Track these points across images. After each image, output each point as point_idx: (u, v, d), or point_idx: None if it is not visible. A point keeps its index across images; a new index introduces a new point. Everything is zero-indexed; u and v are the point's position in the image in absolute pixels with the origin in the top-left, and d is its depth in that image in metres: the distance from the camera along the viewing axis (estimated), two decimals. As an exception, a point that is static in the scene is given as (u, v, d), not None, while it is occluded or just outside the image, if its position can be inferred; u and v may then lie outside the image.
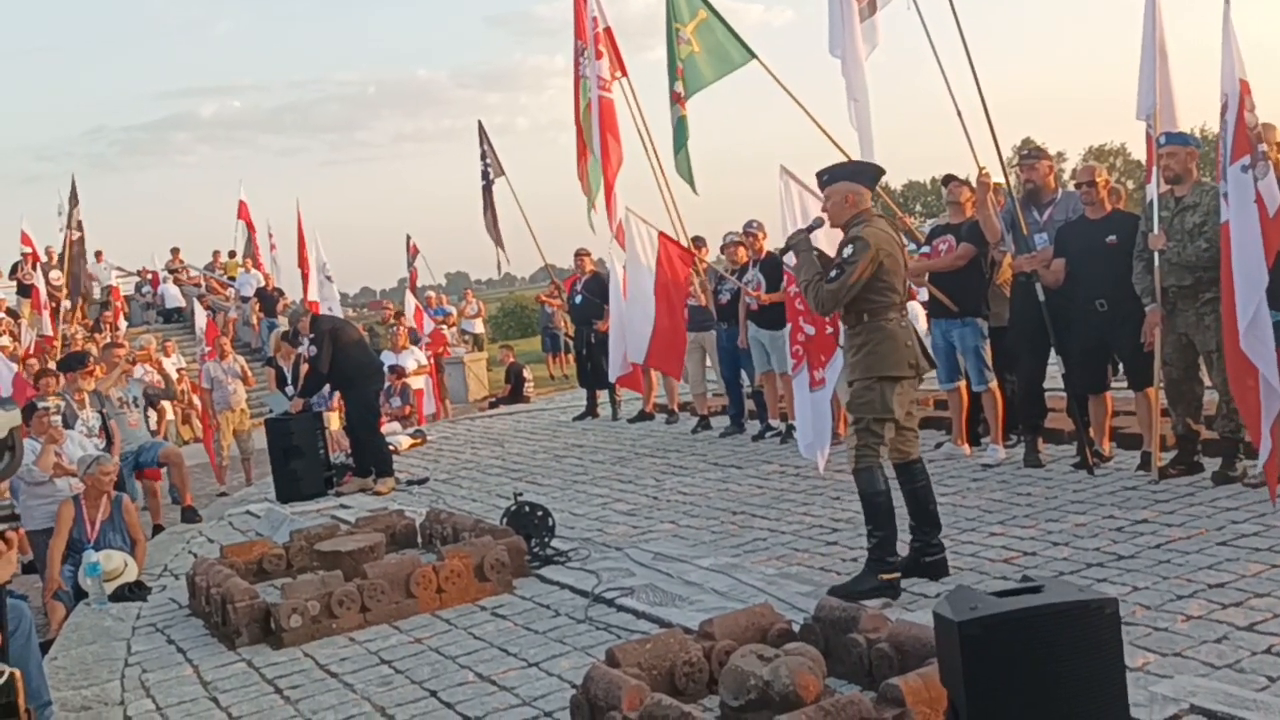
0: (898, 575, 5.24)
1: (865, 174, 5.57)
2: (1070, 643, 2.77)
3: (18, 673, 2.86)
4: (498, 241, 15.56)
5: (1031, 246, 7.29)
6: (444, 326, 20.61)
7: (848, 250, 5.27)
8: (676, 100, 9.88)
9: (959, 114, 7.52)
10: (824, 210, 5.57)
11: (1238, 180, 5.70)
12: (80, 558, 7.01)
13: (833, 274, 5.29)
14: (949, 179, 8.29)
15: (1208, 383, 6.67)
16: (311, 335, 9.90)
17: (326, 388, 10.52)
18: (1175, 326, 6.51)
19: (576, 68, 11.07)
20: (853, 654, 4.12)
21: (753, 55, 9.34)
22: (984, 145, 7.54)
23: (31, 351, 16.06)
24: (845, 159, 8.25)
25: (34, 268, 21.71)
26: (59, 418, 8.43)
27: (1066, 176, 7.89)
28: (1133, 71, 6.84)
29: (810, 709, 3.45)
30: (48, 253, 24.16)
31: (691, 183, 10.24)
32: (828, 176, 5.49)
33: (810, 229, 5.65)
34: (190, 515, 9.68)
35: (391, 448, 11.44)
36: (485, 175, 14.93)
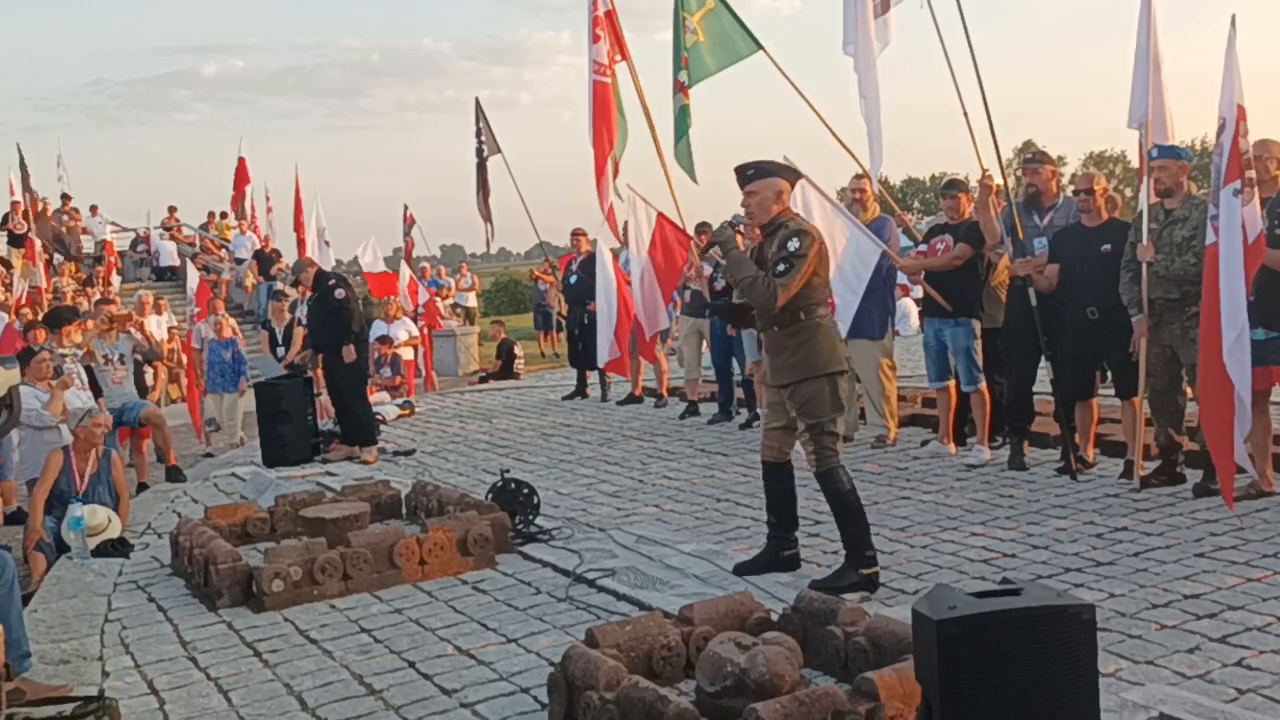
0: (876, 570, 5.29)
1: (789, 174, 5.51)
2: (1046, 646, 2.81)
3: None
4: (487, 219, 15.62)
5: (1029, 250, 7.32)
6: (437, 299, 20.60)
7: (794, 244, 5.18)
8: (680, 89, 9.88)
9: (965, 116, 7.54)
10: (745, 206, 5.44)
11: (1229, 204, 5.76)
12: (66, 510, 7.02)
13: (782, 268, 5.18)
14: (951, 185, 8.30)
15: (1190, 395, 6.72)
16: (325, 288, 9.78)
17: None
18: (1160, 339, 6.56)
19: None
20: (830, 646, 4.16)
21: (759, 47, 9.34)
22: (985, 147, 7.56)
23: (24, 302, 16.01)
24: (848, 151, 8.27)
25: (24, 218, 21.63)
26: (76, 365, 8.52)
27: (1066, 181, 7.90)
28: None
29: (785, 698, 3.48)
30: (44, 205, 24.06)
31: (691, 172, 10.25)
32: (754, 171, 5.36)
33: (735, 225, 5.59)
34: (175, 474, 9.69)
35: (379, 417, 11.47)
36: (479, 153, 14.97)
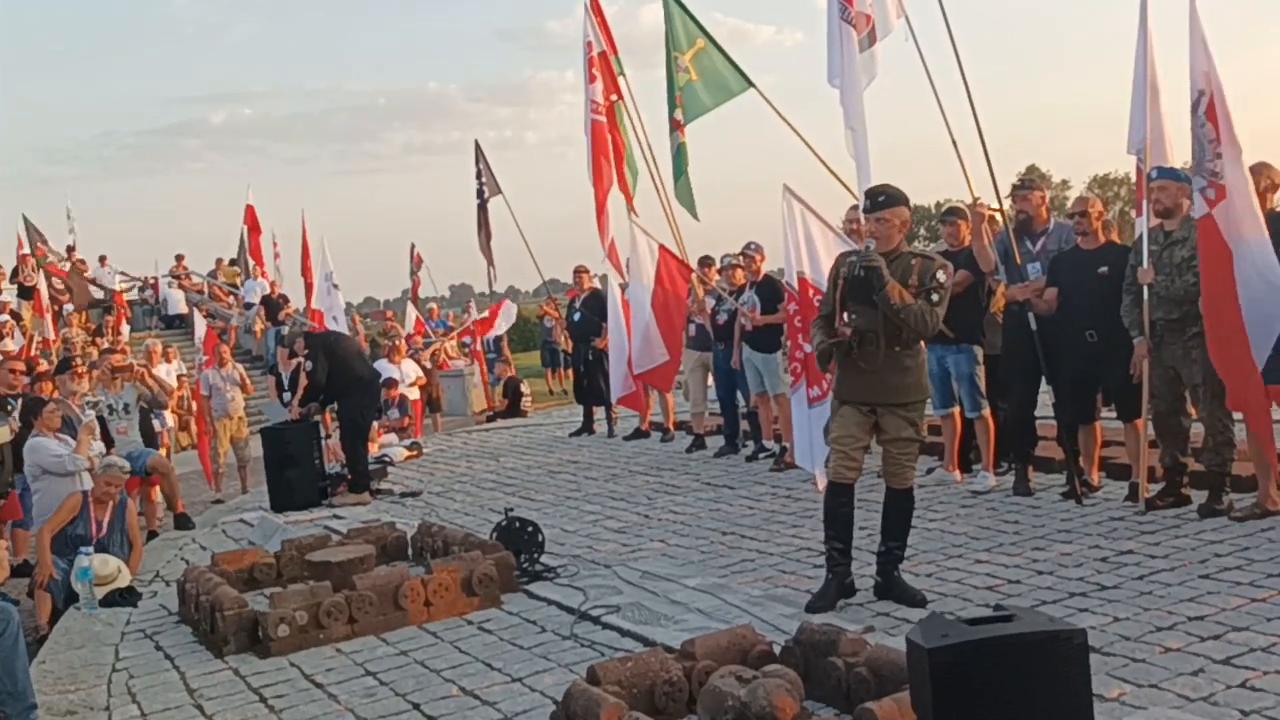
0: None
1: (908, 203, 5.62)
2: (1039, 672, 2.82)
3: None
4: (489, 260, 15.81)
5: (1024, 276, 7.35)
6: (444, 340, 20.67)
7: (942, 275, 5.42)
8: (676, 126, 9.99)
9: (955, 146, 7.61)
10: (873, 234, 5.44)
11: (1238, 165, 5.97)
12: (80, 556, 7.03)
13: (935, 297, 5.40)
14: (950, 213, 8.36)
15: (1195, 415, 6.72)
16: (307, 351, 10.03)
17: None
18: (1162, 360, 6.57)
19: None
20: (831, 677, 4.15)
21: (750, 84, 9.45)
22: (983, 174, 7.62)
23: (19, 354, 16.07)
24: (841, 183, 8.32)
25: (35, 270, 21.82)
26: (91, 412, 8.63)
27: (1070, 205, 7.97)
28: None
29: (785, 731, 3.48)
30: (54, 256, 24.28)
31: (693, 210, 10.34)
32: (884, 198, 5.46)
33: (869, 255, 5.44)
34: (183, 522, 9.72)
35: (387, 459, 11.52)
36: (480, 194, 15.16)
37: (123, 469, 7.87)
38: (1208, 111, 6.01)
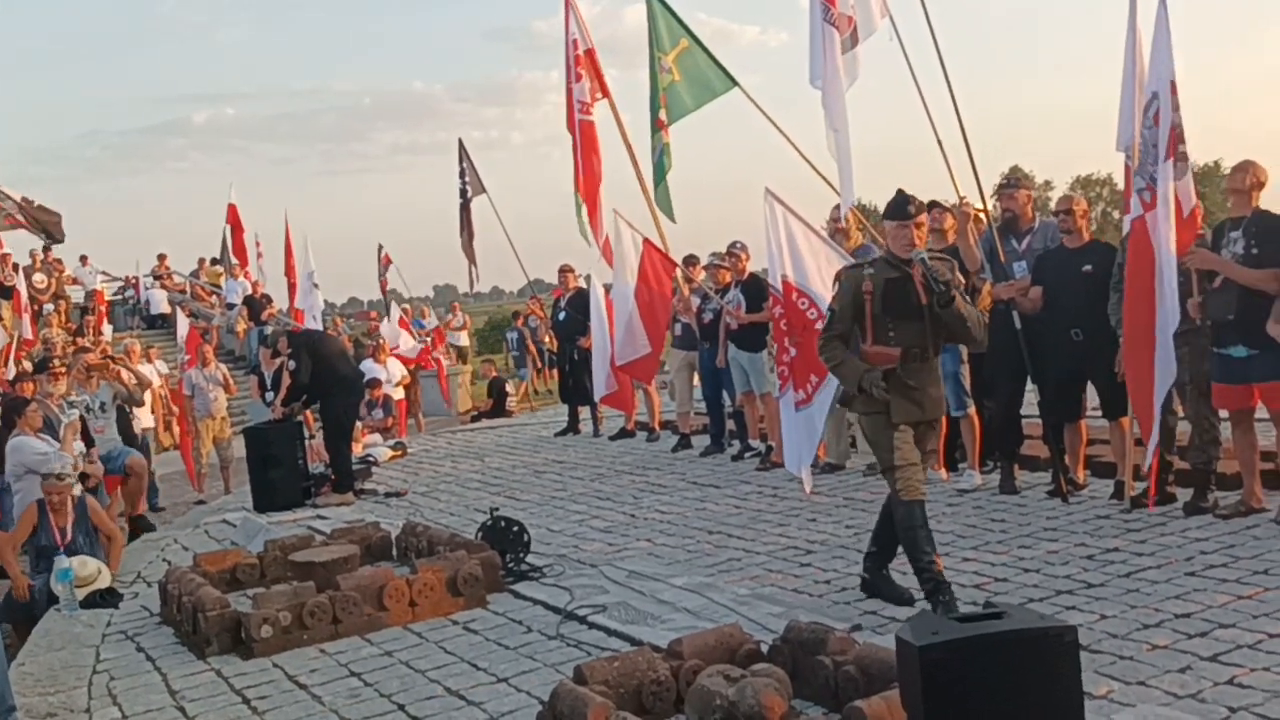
0: None
1: None
2: (1029, 669, 2.80)
3: None
4: (471, 259, 15.77)
5: (1010, 275, 7.36)
6: (426, 340, 20.61)
7: (955, 275, 5.39)
8: (660, 127, 9.97)
9: (940, 144, 7.61)
10: (916, 237, 5.31)
11: (1168, 177, 5.93)
12: (53, 564, 6.95)
13: (969, 299, 5.38)
14: (932, 205, 8.36)
15: (1181, 414, 6.73)
16: (290, 351, 9.98)
17: None
18: (1149, 357, 6.56)
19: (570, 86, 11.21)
20: (819, 676, 4.14)
21: (734, 83, 9.43)
22: (968, 175, 7.61)
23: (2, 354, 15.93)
24: (826, 182, 8.32)
25: (13, 269, 21.61)
26: (74, 411, 8.55)
27: (1053, 205, 7.98)
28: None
29: (774, 730, 3.46)
30: (31, 255, 24.09)
31: (670, 213, 10.34)
32: (919, 203, 5.45)
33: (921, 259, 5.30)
34: (141, 524, 9.67)
35: (371, 459, 11.46)
36: (463, 194, 15.12)
37: (60, 477, 7.47)
38: (1156, 116, 6.01)
